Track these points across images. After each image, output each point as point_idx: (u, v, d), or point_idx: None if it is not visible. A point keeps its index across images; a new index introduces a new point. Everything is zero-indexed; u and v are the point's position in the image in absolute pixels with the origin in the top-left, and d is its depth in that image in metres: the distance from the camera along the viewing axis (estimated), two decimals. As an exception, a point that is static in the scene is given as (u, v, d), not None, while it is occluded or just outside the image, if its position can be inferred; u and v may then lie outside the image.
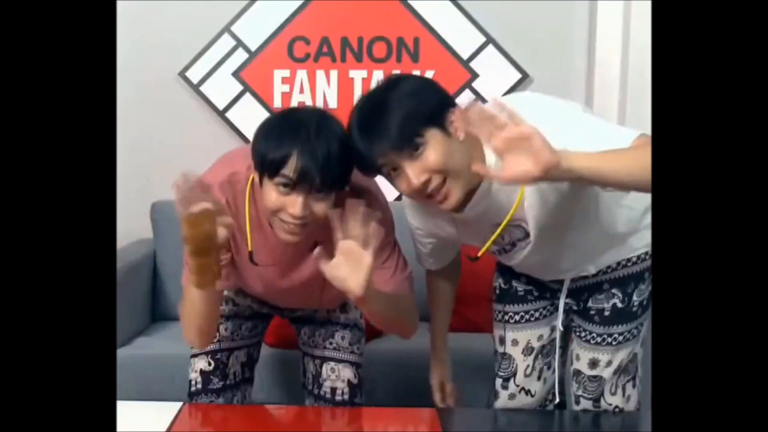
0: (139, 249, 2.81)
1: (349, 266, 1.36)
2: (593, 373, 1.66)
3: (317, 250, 1.40)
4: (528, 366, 1.74)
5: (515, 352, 1.75)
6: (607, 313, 1.64)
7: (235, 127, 3.05)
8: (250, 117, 2.95)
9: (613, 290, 1.63)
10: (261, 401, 2.14)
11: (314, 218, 1.44)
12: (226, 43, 3.01)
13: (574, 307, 1.68)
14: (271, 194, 1.43)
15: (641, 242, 1.61)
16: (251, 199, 1.55)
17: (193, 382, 1.76)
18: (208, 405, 1.74)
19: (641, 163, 1.18)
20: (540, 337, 1.74)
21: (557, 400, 1.75)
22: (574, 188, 1.44)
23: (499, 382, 1.78)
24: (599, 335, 1.65)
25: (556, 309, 1.70)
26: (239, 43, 3.01)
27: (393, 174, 1.40)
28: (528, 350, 1.74)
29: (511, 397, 1.76)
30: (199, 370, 1.76)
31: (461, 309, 2.67)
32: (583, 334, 1.68)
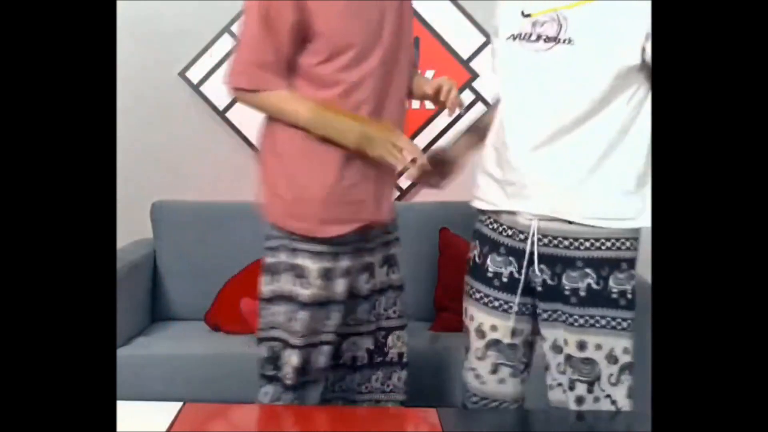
0: (139, 249, 2.81)
1: None
2: (584, 355, 1.66)
3: None
4: (478, 349, 1.75)
5: (471, 327, 1.77)
6: (583, 293, 1.64)
7: (235, 127, 3.05)
8: (250, 117, 2.92)
9: (587, 270, 1.63)
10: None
11: None
12: (226, 43, 3.01)
13: (549, 281, 1.66)
14: None
15: (621, 212, 1.62)
16: None
17: (288, 375, 1.75)
18: (208, 405, 1.74)
19: None
20: (493, 327, 1.73)
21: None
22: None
23: (464, 351, 1.81)
24: (581, 317, 1.65)
25: (514, 310, 1.71)
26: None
27: None
28: (479, 333, 1.75)
29: (465, 369, 1.79)
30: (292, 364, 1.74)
31: (457, 308, 2.67)
32: (563, 317, 1.67)
